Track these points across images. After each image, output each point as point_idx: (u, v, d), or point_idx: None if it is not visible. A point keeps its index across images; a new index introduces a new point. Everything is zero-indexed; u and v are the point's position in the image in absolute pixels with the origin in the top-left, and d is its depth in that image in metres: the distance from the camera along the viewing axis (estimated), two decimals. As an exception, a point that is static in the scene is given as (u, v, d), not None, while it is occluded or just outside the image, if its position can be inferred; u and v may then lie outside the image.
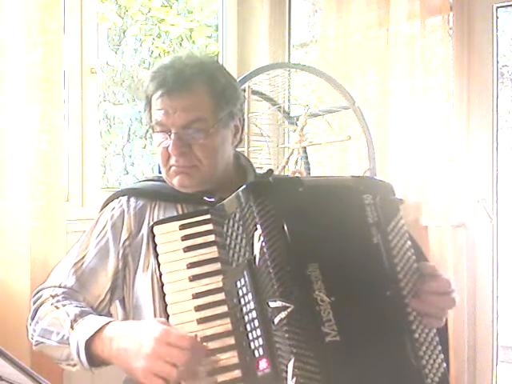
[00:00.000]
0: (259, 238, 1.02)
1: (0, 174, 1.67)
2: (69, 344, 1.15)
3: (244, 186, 1.08)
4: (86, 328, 1.14)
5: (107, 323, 1.13)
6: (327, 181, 1.26)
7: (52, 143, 1.73)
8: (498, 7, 2.66)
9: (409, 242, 1.12)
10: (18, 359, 0.82)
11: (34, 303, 1.28)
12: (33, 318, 1.26)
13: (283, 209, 1.04)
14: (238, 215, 1.07)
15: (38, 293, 1.30)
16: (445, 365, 1.08)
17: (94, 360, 1.14)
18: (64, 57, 1.83)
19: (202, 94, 1.28)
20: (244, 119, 1.40)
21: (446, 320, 1.17)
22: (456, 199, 2.68)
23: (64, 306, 1.22)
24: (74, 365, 1.18)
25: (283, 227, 1.03)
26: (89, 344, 1.12)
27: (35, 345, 1.24)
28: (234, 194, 1.09)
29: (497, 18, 2.67)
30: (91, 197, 2.01)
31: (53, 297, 1.25)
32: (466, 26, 2.69)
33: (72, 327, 1.16)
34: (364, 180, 1.19)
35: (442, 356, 1.08)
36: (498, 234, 2.70)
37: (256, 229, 1.03)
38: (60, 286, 1.28)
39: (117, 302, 1.36)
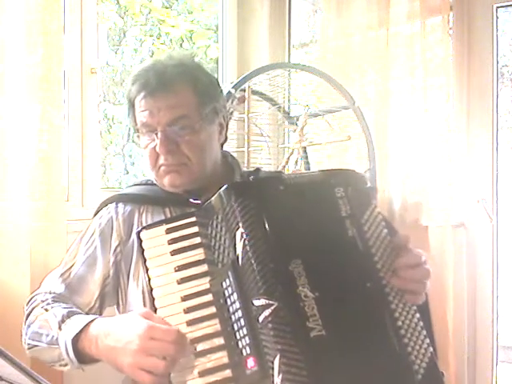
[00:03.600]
0: (241, 237, 1.03)
1: (0, 174, 1.67)
2: (58, 344, 1.18)
3: (225, 186, 1.09)
4: (72, 327, 1.16)
5: (92, 321, 1.16)
6: (304, 177, 1.25)
7: (52, 143, 1.73)
8: (498, 7, 2.66)
9: (385, 231, 1.11)
10: (17, 359, 0.82)
11: (27, 309, 1.30)
12: (25, 323, 1.28)
13: (264, 207, 1.05)
14: (220, 216, 1.08)
15: (30, 300, 1.31)
16: (431, 349, 1.07)
17: (83, 358, 1.17)
18: (64, 57, 1.83)
19: (185, 91, 1.29)
20: (228, 116, 1.41)
21: (427, 300, 1.17)
22: (456, 199, 2.68)
23: (52, 308, 1.24)
24: (66, 364, 1.20)
25: (264, 225, 1.03)
26: (75, 342, 1.15)
27: (28, 348, 1.27)
28: (216, 194, 1.10)
29: (497, 17, 2.67)
30: (91, 197, 2.02)
31: (43, 301, 1.27)
32: (466, 26, 2.69)
33: (60, 328, 1.18)
34: (334, 173, 1.18)
35: (427, 341, 1.07)
36: (498, 233, 2.70)
37: (238, 228, 1.03)
38: (50, 293, 1.29)
39: (114, 307, 1.37)
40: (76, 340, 1.14)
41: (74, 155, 1.97)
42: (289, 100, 2.64)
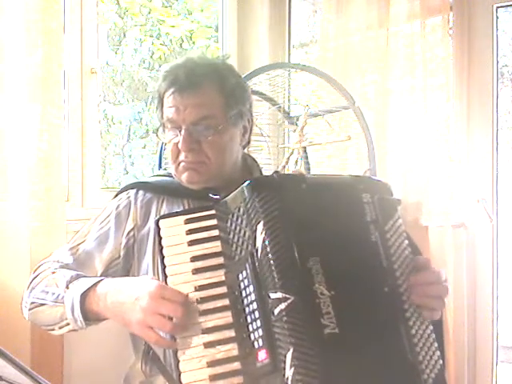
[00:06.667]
0: (262, 232, 1.03)
1: (0, 174, 1.67)
2: (63, 303, 1.20)
3: (248, 181, 1.10)
4: (81, 285, 1.19)
5: (101, 280, 1.19)
6: (329, 179, 1.29)
7: (52, 143, 1.73)
8: (498, 7, 2.66)
9: (406, 241, 1.13)
10: (17, 359, 0.82)
11: (33, 274, 1.32)
12: (28, 287, 1.30)
13: (286, 204, 1.06)
14: (242, 209, 1.09)
15: (38, 267, 1.34)
16: (441, 361, 1.08)
17: (89, 316, 1.19)
18: (64, 57, 1.83)
19: (213, 92, 1.32)
20: (253, 120, 1.43)
21: (441, 315, 1.18)
22: (456, 199, 2.68)
23: (61, 271, 1.27)
24: (67, 324, 1.21)
25: (286, 221, 1.04)
26: (83, 299, 1.17)
27: (29, 309, 1.28)
28: (238, 189, 1.11)
29: (497, 17, 2.67)
30: (91, 197, 2.02)
31: (50, 268, 1.31)
32: (466, 25, 2.68)
33: (67, 287, 1.21)
34: (363, 179, 1.21)
35: (438, 353, 1.08)
36: (498, 233, 2.69)
37: (259, 222, 1.04)
38: (58, 262, 1.33)
39: None
40: (84, 296, 1.17)
41: (73, 155, 1.97)
42: (289, 100, 2.63)
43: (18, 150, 1.68)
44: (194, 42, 3.07)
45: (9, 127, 1.68)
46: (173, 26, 3.02)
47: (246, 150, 2.23)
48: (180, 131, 1.31)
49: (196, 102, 1.30)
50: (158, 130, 1.40)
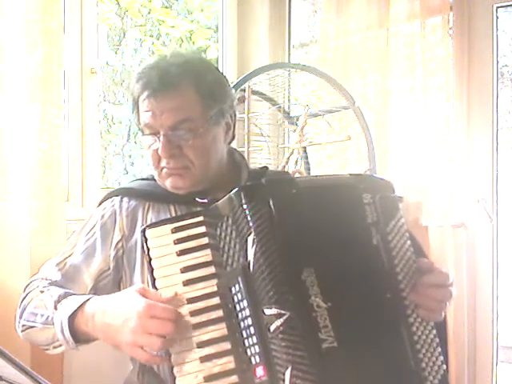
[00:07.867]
0: (252, 244, 1.00)
1: (0, 174, 1.67)
2: (53, 324, 1.17)
3: (236, 189, 1.05)
4: (69, 306, 1.15)
5: (88, 299, 1.15)
6: (324, 181, 1.22)
7: (52, 143, 1.73)
8: (498, 7, 2.66)
9: (408, 242, 1.10)
10: (17, 359, 0.82)
11: (23, 294, 1.30)
12: (20, 307, 1.28)
13: (276, 212, 1.02)
14: (230, 219, 1.05)
15: (27, 285, 1.31)
16: (445, 366, 1.06)
17: (79, 337, 1.16)
18: (64, 57, 1.83)
19: (189, 93, 1.25)
20: (235, 115, 1.36)
21: (445, 318, 1.17)
22: (456, 199, 2.68)
23: (49, 290, 1.24)
24: (60, 345, 1.19)
25: (276, 232, 1.00)
26: (72, 320, 1.14)
27: (22, 330, 1.26)
28: (226, 197, 1.07)
29: (497, 17, 2.67)
30: (91, 197, 2.01)
31: (38, 286, 1.27)
32: (466, 26, 2.68)
33: (55, 307, 1.18)
34: (364, 178, 1.15)
35: (441, 358, 1.06)
36: (498, 233, 2.70)
37: (250, 233, 1.00)
38: (46, 279, 1.29)
39: None
40: (72, 318, 1.14)
41: (74, 155, 1.96)
42: (289, 100, 2.64)
43: (18, 150, 1.68)
44: (193, 43, 3.07)
45: (9, 127, 1.67)
46: (172, 27, 3.02)
47: (246, 150, 2.24)
48: (159, 137, 1.24)
49: (172, 105, 1.23)
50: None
